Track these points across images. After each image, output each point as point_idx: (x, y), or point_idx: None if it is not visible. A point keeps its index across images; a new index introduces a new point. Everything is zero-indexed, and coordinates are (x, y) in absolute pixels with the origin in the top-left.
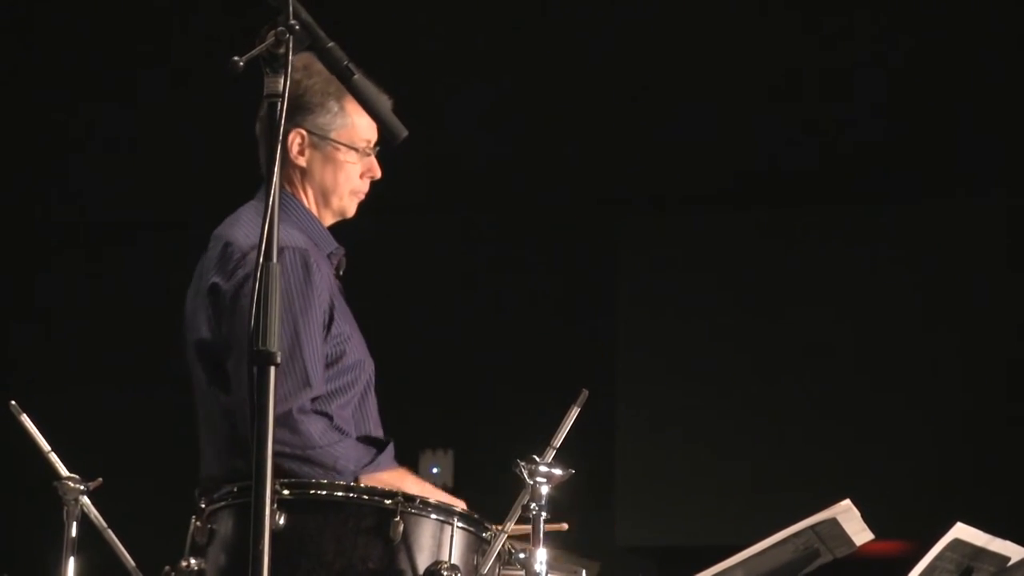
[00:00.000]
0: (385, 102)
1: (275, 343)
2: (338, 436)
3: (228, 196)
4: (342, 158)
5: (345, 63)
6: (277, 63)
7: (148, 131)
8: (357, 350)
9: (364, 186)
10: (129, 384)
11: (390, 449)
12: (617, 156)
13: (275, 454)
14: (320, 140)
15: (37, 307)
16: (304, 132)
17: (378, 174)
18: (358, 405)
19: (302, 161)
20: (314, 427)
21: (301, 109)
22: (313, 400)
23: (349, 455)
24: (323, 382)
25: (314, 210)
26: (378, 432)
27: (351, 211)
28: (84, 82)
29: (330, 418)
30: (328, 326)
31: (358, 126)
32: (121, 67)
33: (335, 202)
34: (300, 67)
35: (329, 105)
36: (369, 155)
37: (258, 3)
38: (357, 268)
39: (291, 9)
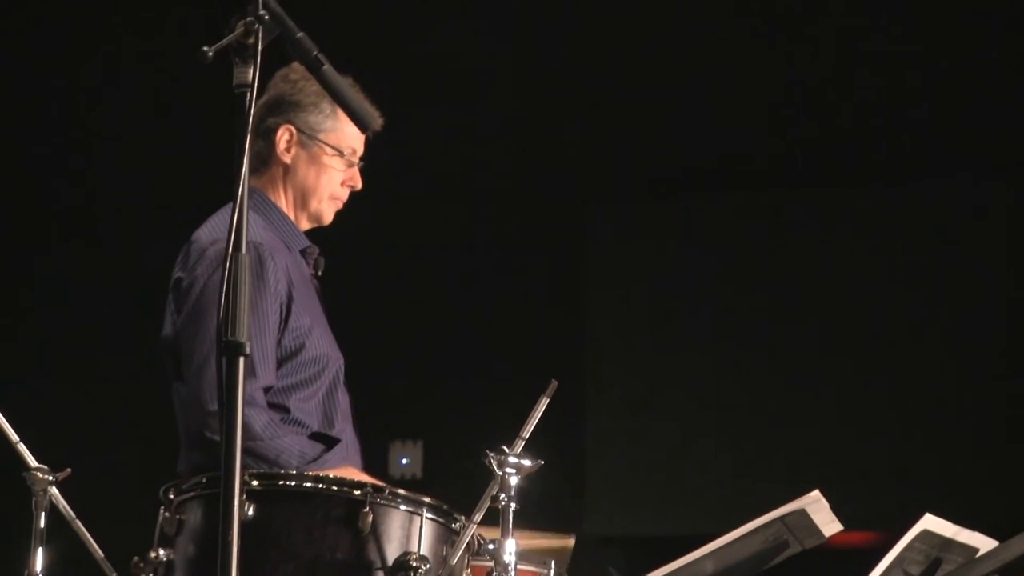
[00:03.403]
0: (355, 93)
1: (244, 333)
2: (283, 430)
3: (206, 188)
4: (327, 160)
5: (314, 53)
6: (246, 53)
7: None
8: (320, 344)
9: (343, 194)
10: (98, 374)
11: (340, 448)
12: (587, 144)
13: (217, 444)
14: (308, 139)
15: (5, 296)
16: (293, 128)
17: (359, 185)
18: (323, 399)
19: (287, 158)
20: (257, 420)
21: (294, 106)
22: (267, 391)
23: (292, 450)
24: (273, 373)
25: (290, 212)
26: (346, 427)
27: (327, 218)
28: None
29: (287, 411)
30: (285, 319)
31: (347, 133)
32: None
33: (313, 204)
34: (301, 72)
35: (322, 106)
36: (353, 165)
37: None
38: (326, 259)
39: None
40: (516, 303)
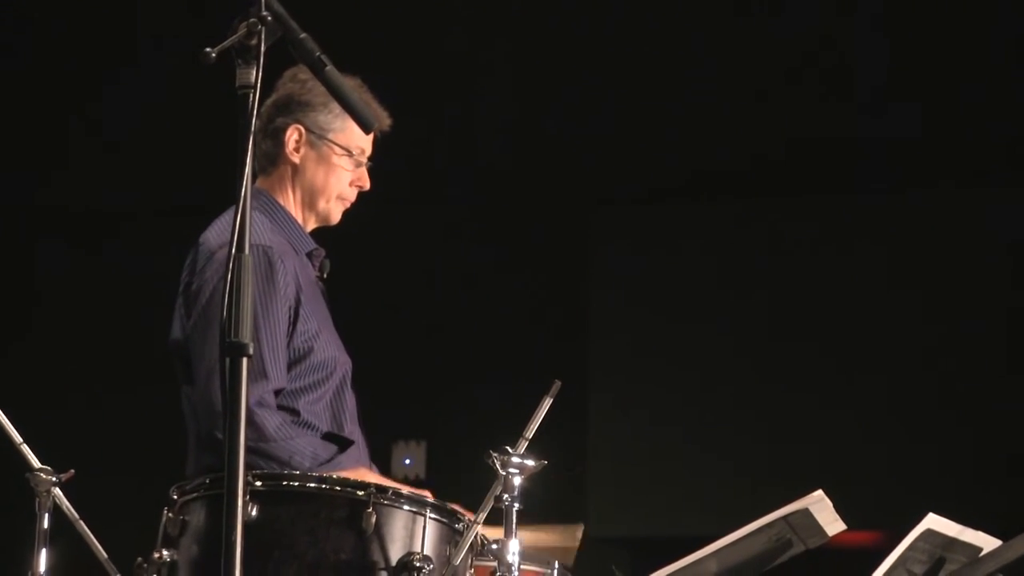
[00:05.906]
0: (357, 94)
1: (247, 334)
2: (296, 431)
3: (206, 192)
4: (336, 161)
5: (317, 54)
6: (249, 55)
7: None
8: (328, 347)
9: (351, 194)
10: (102, 375)
11: (354, 450)
12: (589, 147)
13: None
14: (317, 139)
15: (7, 297)
16: (302, 128)
17: (367, 185)
18: (331, 402)
19: (296, 157)
20: (270, 421)
21: (303, 105)
22: (278, 394)
23: (305, 451)
24: (284, 376)
25: (298, 213)
26: (354, 428)
27: (335, 218)
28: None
29: (297, 413)
30: (293, 322)
31: (356, 133)
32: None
33: (321, 204)
34: (310, 72)
35: (331, 106)
36: (361, 165)
37: None
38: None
39: (263, 0)
40: (519, 304)
